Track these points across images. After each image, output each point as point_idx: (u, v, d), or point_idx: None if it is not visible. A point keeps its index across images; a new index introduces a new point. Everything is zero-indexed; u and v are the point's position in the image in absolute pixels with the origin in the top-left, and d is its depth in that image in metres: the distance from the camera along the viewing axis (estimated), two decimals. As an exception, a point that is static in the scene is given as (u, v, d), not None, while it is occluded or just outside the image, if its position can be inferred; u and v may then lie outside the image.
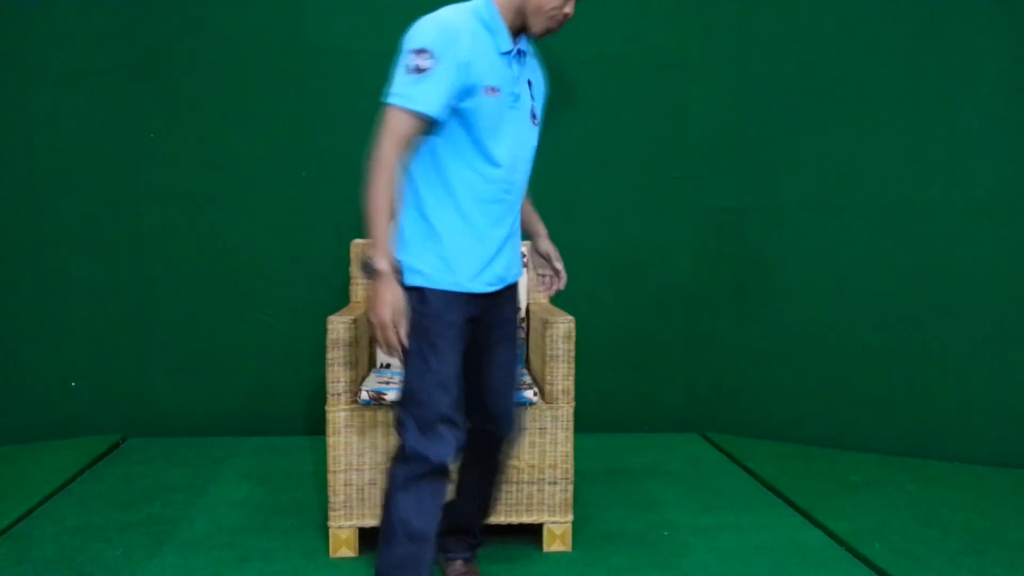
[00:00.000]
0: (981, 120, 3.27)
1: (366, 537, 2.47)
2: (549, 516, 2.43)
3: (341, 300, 3.50)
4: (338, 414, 2.35)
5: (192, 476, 3.04)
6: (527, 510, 2.42)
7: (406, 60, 1.72)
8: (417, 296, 1.80)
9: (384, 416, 2.36)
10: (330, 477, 2.36)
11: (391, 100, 1.72)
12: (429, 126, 1.76)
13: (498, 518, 2.39)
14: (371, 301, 1.72)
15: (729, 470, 3.24)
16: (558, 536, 2.44)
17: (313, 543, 2.46)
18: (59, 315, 3.42)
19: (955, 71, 3.29)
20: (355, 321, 2.41)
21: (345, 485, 2.36)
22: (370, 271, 1.70)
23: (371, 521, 2.37)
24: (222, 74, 3.44)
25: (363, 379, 2.57)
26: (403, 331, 1.74)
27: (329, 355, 2.34)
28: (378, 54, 3.47)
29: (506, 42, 1.80)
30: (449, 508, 1.97)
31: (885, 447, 3.44)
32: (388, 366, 2.84)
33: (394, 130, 1.71)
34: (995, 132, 3.26)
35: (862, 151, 3.42)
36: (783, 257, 3.55)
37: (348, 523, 2.37)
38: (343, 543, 2.38)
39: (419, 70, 1.69)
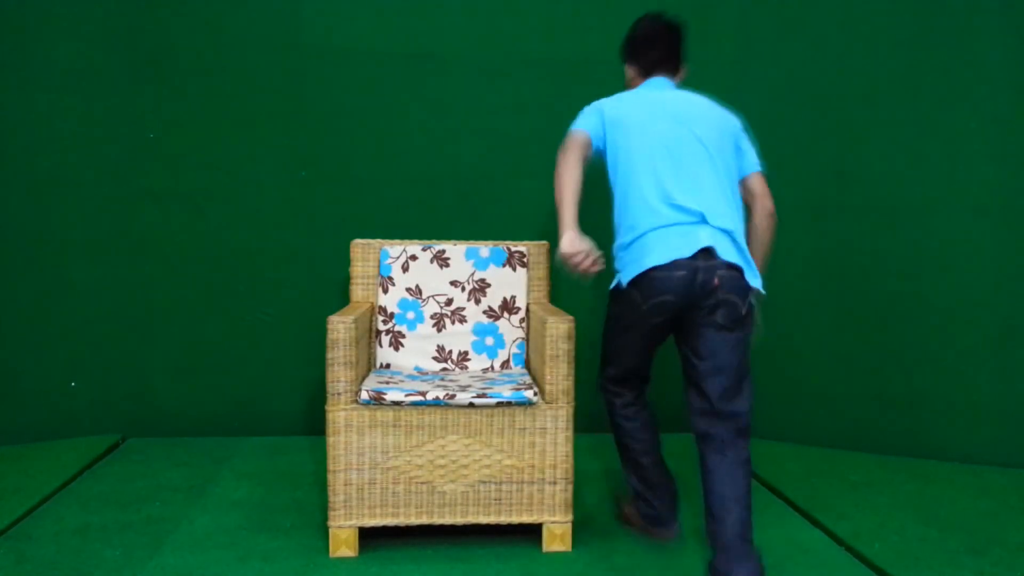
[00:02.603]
0: (981, 120, 3.27)
1: (366, 537, 2.48)
2: (549, 516, 2.43)
3: (341, 300, 3.50)
4: (338, 414, 2.35)
5: (192, 476, 3.04)
6: (527, 510, 2.42)
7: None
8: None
9: (384, 415, 2.36)
10: (330, 477, 2.36)
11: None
12: None
13: (498, 518, 2.40)
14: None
15: (729, 470, 3.24)
16: (558, 536, 2.44)
17: (313, 543, 2.46)
18: (59, 315, 3.42)
19: (955, 71, 3.29)
20: (355, 321, 2.41)
21: (345, 485, 2.36)
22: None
23: (371, 521, 2.38)
24: (222, 74, 3.44)
25: (363, 379, 2.57)
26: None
27: (329, 355, 2.34)
28: (378, 54, 3.51)
29: None
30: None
31: (885, 447, 3.44)
32: (388, 366, 2.84)
33: None
34: (995, 132, 3.26)
35: (862, 151, 3.42)
36: (784, 257, 3.55)
37: (348, 523, 2.37)
38: (343, 543, 2.38)
39: None
